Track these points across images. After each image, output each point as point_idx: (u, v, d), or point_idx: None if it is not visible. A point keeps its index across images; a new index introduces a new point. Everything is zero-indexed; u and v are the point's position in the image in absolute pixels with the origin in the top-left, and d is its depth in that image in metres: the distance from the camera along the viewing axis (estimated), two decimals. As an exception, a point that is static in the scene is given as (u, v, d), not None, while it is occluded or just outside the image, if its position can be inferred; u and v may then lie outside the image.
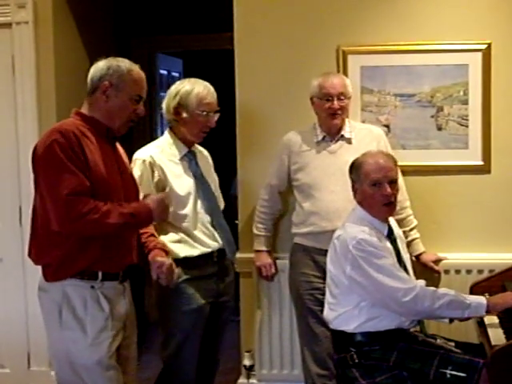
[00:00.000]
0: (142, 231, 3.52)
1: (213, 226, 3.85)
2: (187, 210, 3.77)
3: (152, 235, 3.60)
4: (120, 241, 3.20)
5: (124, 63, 3.24)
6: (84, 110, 3.25)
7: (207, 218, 3.84)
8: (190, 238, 3.77)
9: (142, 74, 3.30)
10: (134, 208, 3.13)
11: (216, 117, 3.86)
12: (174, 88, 3.87)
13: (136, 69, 3.27)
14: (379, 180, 3.43)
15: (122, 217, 3.05)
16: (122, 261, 3.24)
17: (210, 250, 3.81)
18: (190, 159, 3.86)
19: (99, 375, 3.12)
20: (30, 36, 4.72)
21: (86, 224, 3.00)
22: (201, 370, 3.92)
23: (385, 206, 3.46)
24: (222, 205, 4.10)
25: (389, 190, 3.43)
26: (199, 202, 3.82)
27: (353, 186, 3.56)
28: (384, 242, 3.46)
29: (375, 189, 3.43)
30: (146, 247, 3.54)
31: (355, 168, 3.54)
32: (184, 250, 3.74)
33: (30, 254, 3.22)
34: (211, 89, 3.86)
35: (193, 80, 3.91)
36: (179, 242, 3.75)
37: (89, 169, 3.05)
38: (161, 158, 3.76)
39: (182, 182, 3.78)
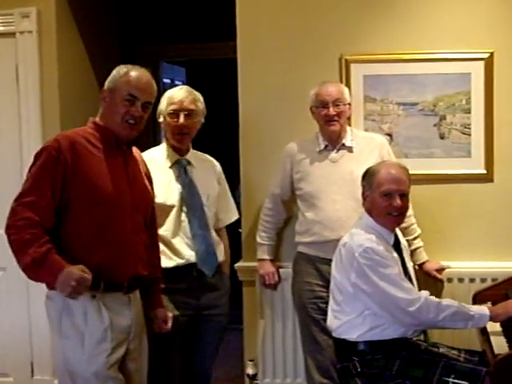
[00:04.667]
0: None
1: (192, 235, 3.79)
2: (169, 218, 3.75)
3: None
4: (123, 250, 3.17)
5: (125, 68, 3.22)
6: (97, 118, 3.26)
7: (189, 227, 3.79)
8: (168, 248, 3.73)
9: (142, 76, 3.21)
10: (48, 260, 2.95)
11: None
12: None
13: (135, 71, 3.20)
14: (391, 191, 3.44)
15: (27, 256, 2.94)
16: (125, 271, 3.18)
17: (183, 261, 3.75)
18: (181, 167, 3.85)
19: None
20: (34, 45, 4.74)
21: (8, 236, 3.00)
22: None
23: (392, 216, 3.47)
24: (231, 217, 4.11)
25: (399, 201, 3.43)
26: (184, 212, 3.80)
27: (363, 193, 3.56)
28: (390, 251, 3.47)
29: (385, 199, 3.44)
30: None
31: (369, 175, 3.54)
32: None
33: None
34: (183, 90, 3.87)
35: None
36: None
37: (77, 177, 3.05)
38: (149, 167, 3.66)
39: (166, 191, 3.74)
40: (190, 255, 3.78)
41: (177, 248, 3.77)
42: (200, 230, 3.82)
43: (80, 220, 3.08)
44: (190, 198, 3.82)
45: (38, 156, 3.08)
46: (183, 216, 3.80)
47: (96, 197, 3.09)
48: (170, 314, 3.51)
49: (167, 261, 3.71)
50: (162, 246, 3.65)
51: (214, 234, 3.93)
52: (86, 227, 3.08)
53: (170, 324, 3.48)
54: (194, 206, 3.83)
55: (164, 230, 3.74)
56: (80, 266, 2.97)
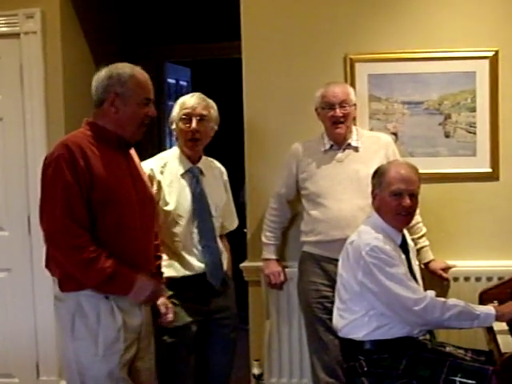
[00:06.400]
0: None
1: (202, 247, 3.79)
2: (179, 228, 3.74)
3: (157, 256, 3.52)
4: (136, 251, 3.18)
5: (124, 69, 3.19)
6: (95, 119, 3.22)
7: (198, 239, 3.79)
8: (177, 259, 3.72)
9: (146, 76, 3.24)
10: (120, 273, 3.05)
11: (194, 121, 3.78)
12: None
13: (138, 72, 3.21)
14: (401, 191, 3.44)
15: (98, 274, 3.00)
16: (137, 271, 3.18)
17: (193, 273, 3.74)
18: (193, 176, 3.82)
19: None
20: (38, 46, 4.74)
21: (67, 256, 3.02)
22: None
23: (401, 215, 3.47)
24: (233, 224, 4.12)
25: (408, 201, 3.44)
26: (195, 222, 3.78)
27: (373, 192, 3.56)
28: (397, 251, 3.46)
29: (395, 198, 3.44)
30: None
31: (379, 174, 3.54)
32: (168, 271, 3.65)
33: (47, 265, 3.19)
34: (195, 97, 3.83)
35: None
36: (166, 260, 3.67)
37: (93, 182, 3.04)
38: (162, 172, 3.71)
39: (178, 200, 3.73)
40: (198, 267, 3.77)
41: (187, 259, 3.75)
42: (210, 242, 3.82)
43: (95, 223, 3.07)
44: (201, 208, 3.81)
45: (53, 166, 3.04)
46: (193, 227, 3.79)
47: (108, 199, 3.09)
48: (170, 305, 3.52)
49: (175, 271, 3.72)
50: (171, 256, 3.70)
51: (220, 244, 3.94)
52: (101, 229, 3.08)
53: (170, 315, 3.49)
54: (204, 217, 3.81)
55: (175, 241, 3.73)
56: (147, 277, 3.16)
